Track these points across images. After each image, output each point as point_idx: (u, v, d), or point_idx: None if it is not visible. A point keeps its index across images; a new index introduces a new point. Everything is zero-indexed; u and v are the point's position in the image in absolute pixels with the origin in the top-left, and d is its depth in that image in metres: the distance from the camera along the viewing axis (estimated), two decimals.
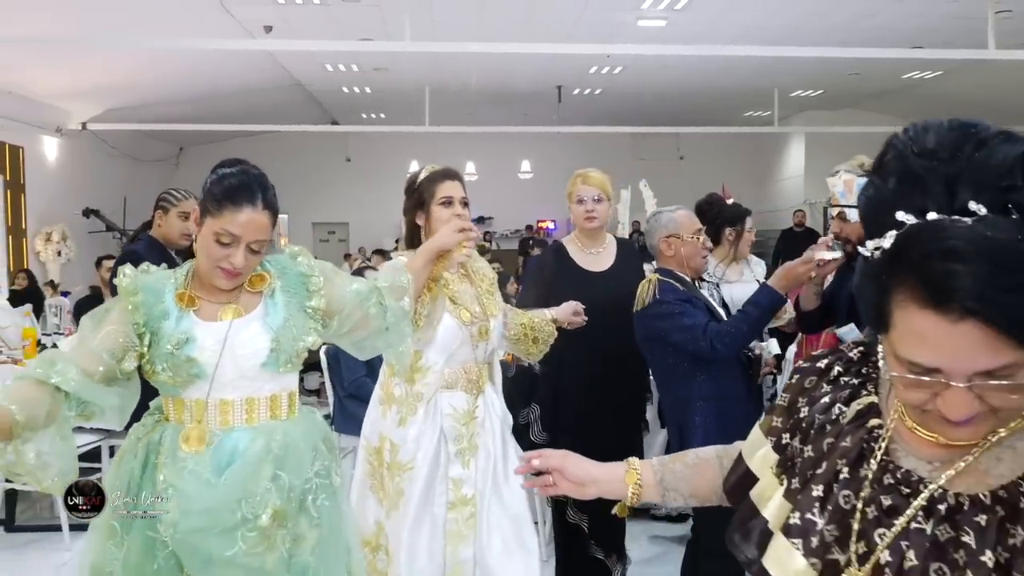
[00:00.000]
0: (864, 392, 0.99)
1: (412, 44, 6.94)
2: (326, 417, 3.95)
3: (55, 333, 5.49)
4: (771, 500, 1.03)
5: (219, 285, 1.75)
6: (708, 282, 3.21)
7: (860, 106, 13.41)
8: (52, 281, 9.58)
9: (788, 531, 0.97)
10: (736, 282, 3.53)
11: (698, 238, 2.71)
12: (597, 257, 3.10)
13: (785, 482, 1.02)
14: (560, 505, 3.01)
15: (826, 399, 1.01)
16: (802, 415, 1.03)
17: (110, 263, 5.96)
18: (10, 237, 9.80)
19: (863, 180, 1.57)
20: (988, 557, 0.83)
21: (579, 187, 3.10)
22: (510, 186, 14.94)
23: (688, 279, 2.70)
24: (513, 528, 2.40)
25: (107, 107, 11.03)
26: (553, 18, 8.10)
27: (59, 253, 10.18)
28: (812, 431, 1.01)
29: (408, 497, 2.30)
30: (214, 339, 1.70)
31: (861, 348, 1.05)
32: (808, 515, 0.96)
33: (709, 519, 2.63)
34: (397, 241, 15.18)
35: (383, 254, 10.57)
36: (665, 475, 1.26)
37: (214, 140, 14.16)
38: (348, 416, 3.82)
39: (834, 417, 0.99)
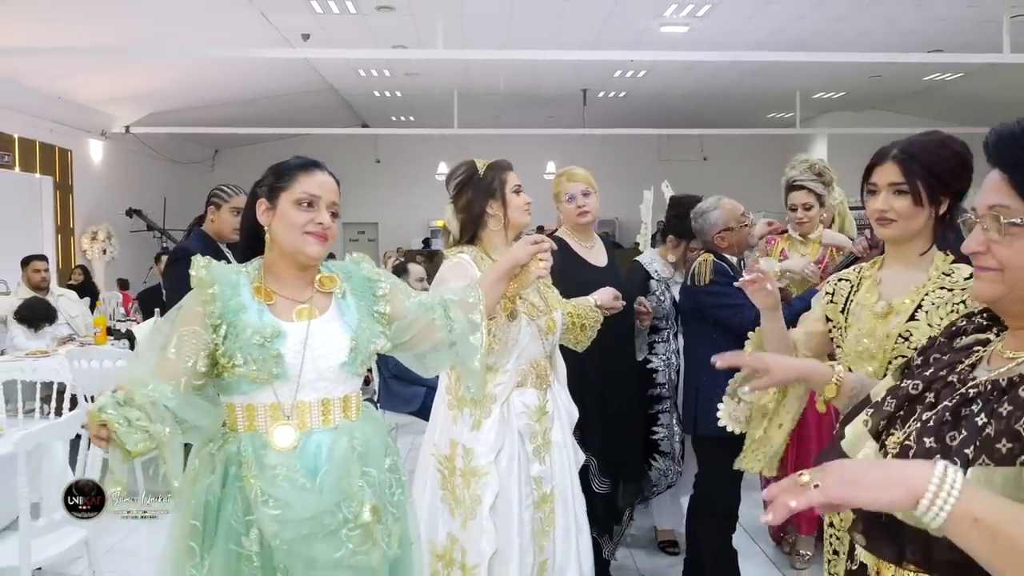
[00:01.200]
0: (989, 333, 1.17)
1: (444, 52, 7.24)
2: (371, 398, 4.25)
3: (120, 321, 5.84)
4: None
5: (310, 253, 1.72)
6: (658, 280, 3.43)
7: (883, 107, 13.46)
8: (122, 279, 10.06)
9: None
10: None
11: (743, 223, 2.96)
12: (592, 251, 3.13)
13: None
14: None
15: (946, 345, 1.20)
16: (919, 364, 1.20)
17: None
18: (59, 235, 10.24)
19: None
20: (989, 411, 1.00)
21: (566, 185, 3.14)
22: (537, 187, 14.93)
23: (733, 261, 2.97)
24: (573, 511, 2.41)
25: (149, 111, 11.46)
26: (579, 25, 8.34)
27: (104, 251, 10.59)
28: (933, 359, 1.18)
29: (484, 503, 2.22)
30: (296, 338, 1.68)
31: (986, 313, 1.20)
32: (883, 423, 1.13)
33: (713, 483, 2.92)
34: (425, 241, 15.48)
35: (410, 255, 10.88)
36: (852, 385, 1.51)
37: (248, 142, 14.57)
38: (393, 395, 4.12)
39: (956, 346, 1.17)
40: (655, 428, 3.47)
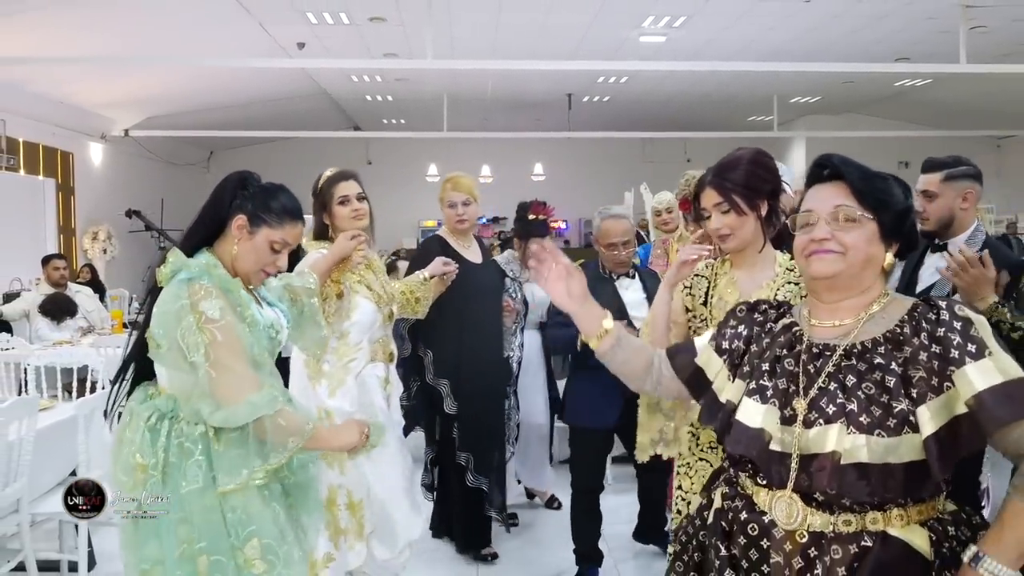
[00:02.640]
0: (787, 317, 1.53)
1: (433, 62, 7.64)
2: None
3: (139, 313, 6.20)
4: (725, 390, 1.51)
5: (254, 283, 1.99)
6: (512, 279, 3.79)
7: (858, 111, 13.90)
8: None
9: (750, 394, 1.43)
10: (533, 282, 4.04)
11: (614, 249, 3.22)
12: (469, 250, 3.49)
13: (733, 375, 1.50)
14: (448, 445, 3.47)
15: (759, 317, 1.56)
16: (740, 330, 1.55)
17: None
18: (61, 236, 10.58)
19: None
20: (890, 358, 1.33)
21: (449, 193, 3.42)
22: (523, 188, 15.43)
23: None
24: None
25: (147, 115, 11.79)
26: (562, 35, 8.75)
27: (104, 251, 10.93)
28: (752, 339, 1.52)
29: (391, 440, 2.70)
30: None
31: (760, 301, 1.61)
32: (761, 382, 1.43)
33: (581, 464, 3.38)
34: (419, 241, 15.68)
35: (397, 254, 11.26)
36: (623, 338, 1.66)
37: (242, 145, 14.90)
38: None
39: (767, 329, 1.52)
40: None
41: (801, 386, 1.39)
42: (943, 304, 1.38)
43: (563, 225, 16.29)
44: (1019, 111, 12.11)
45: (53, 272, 5.88)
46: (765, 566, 1.37)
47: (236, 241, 1.92)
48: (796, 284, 2.03)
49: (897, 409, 1.30)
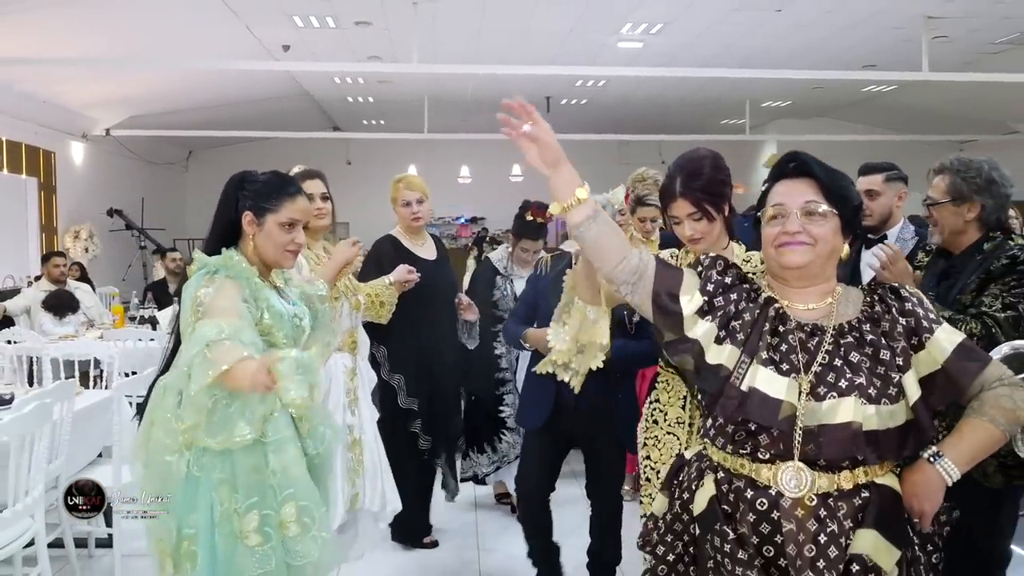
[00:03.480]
0: (762, 291, 1.61)
1: (418, 66, 7.84)
2: None
3: (145, 308, 6.36)
4: (713, 352, 1.53)
5: (285, 265, 2.12)
6: (503, 276, 3.97)
7: (827, 115, 14.27)
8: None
9: (764, 364, 1.48)
10: (523, 278, 4.03)
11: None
12: (423, 247, 3.59)
13: (709, 321, 1.55)
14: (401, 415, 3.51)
15: (742, 283, 1.61)
16: (728, 284, 1.60)
17: (175, 255, 6.96)
18: (44, 234, 10.61)
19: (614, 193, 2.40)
20: (875, 334, 1.51)
21: (403, 192, 3.50)
22: (502, 188, 15.74)
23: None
24: (376, 456, 3.04)
25: (129, 114, 11.83)
26: (543, 40, 8.99)
27: (86, 250, 10.97)
28: (732, 295, 1.58)
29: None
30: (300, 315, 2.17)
31: (736, 268, 1.65)
32: (771, 354, 1.49)
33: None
34: None
35: None
36: (600, 216, 1.61)
37: (221, 144, 14.94)
38: None
39: (752, 298, 1.58)
40: (501, 407, 4.02)
41: (802, 362, 1.50)
42: (896, 285, 1.61)
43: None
44: (980, 116, 12.55)
45: (53, 269, 6.03)
46: (778, 536, 1.45)
47: (252, 236, 2.09)
48: (754, 274, 2.13)
49: (895, 379, 1.49)
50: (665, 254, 2.30)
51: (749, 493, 1.49)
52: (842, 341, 1.53)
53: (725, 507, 1.52)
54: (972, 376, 1.52)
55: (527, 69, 8.95)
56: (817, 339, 1.53)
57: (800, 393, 1.47)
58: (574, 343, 2.23)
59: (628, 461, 3.29)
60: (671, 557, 1.62)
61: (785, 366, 1.49)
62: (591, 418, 2.82)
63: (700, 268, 1.65)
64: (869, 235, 3.04)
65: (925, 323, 1.53)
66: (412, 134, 12.53)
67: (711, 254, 1.68)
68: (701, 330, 1.55)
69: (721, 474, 1.54)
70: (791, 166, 1.64)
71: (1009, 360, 2.13)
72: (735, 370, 1.50)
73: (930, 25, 8.14)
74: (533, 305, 3.00)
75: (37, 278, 6.30)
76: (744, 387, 1.48)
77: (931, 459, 1.51)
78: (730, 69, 9.17)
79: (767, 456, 1.49)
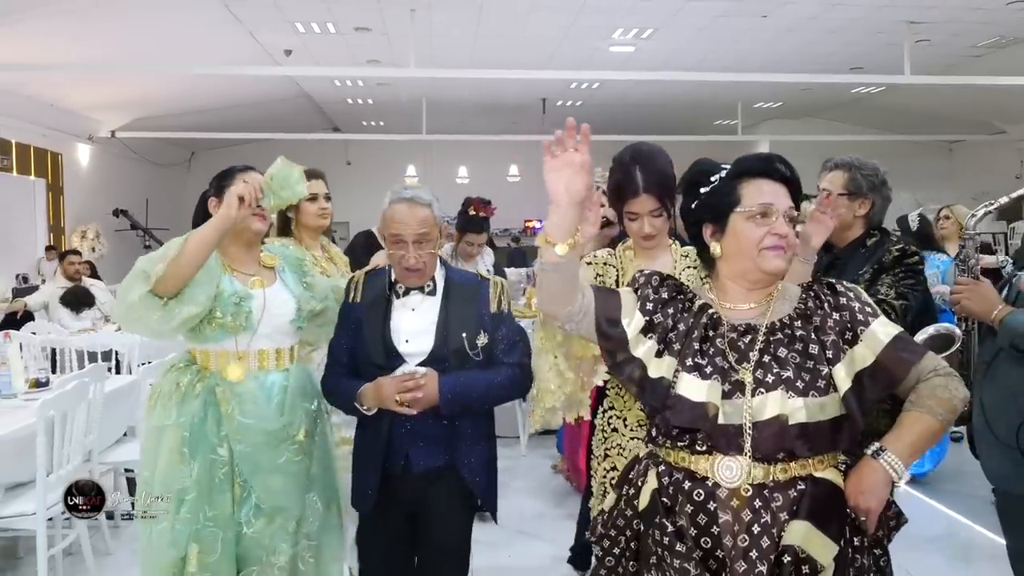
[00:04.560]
0: (697, 299, 1.60)
1: (416, 70, 8.12)
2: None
3: None
4: (653, 365, 1.53)
5: (255, 228, 2.19)
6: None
7: (818, 115, 14.52)
8: None
9: (688, 370, 1.49)
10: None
11: (401, 247, 2.30)
12: None
13: (662, 351, 1.54)
14: None
15: (676, 295, 1.61)
16: (664, 299, 1.60)
17: None
18: (51, 234, 10.89)
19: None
20: (806, 330, 1.51)
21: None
22: (500, 189, 15.90)
23: None
24: None
25: (133, 117, 12.10)
26: (537, 45, 9.27)
27: (93, 249, 11.23)
28: (676, 316, 1.57)
29: None
30: (257, 301, 2.16)
31: (667, 275, 1.66)
32: (697, 360, 1.50)
33: None
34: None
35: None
36: (572, 264, 1.54)
37: (223, 146, 15.17)
38: None
39: (687, 308, 1.58)
40: None
41: (732, 361, 1.50)
42: (831, 280, 1.62)
43: (539, 224, 16.80)
44: (968, 117, 12.81)
45: (69, 267, 6.34)
46: (714, 527, 1.46)
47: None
48: (694, 268, 2.14)
49: (824, 372, 1.48)
50: (602, 255, 2.27)
51: (687, 484, 1.50)
52: (772, 338, 1.54)
53: (665, 500, 1.52)
54: (907, 367, 1.51)
55: (522, 73, 9.23)
56: (750, 337, 1.54)
57: (723, 393, 1.48)
58: (559, 375, 2.06)
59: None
60: (616, 551, 1.62)
61: (709, 369, 1.50)
62: (428, 480, 2.20)
63: (637, 287, 1.64)
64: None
65: (860, 316, 1.53)
66: (411, 135, 12.78)
67: (647, 271, 1.67)
68: (643, 348, 1.55)
69: (663, 467, 1.55)
70: (780, 169, 1.59)
71: (932, 340, 2.40)
72: (672, 380, 1.52)
73: (912, 30, 8.42)
74: (352, 346, 2.27)
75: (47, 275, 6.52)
76: (673, 394, 1.50)
77: (874, 455, 1.50)
78: (718, 73, 9.46)
79: (704, 448, 1.49)
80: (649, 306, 1.59)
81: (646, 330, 1.57)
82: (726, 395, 1.48)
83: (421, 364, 2.17)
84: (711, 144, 15.24)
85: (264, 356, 2.18)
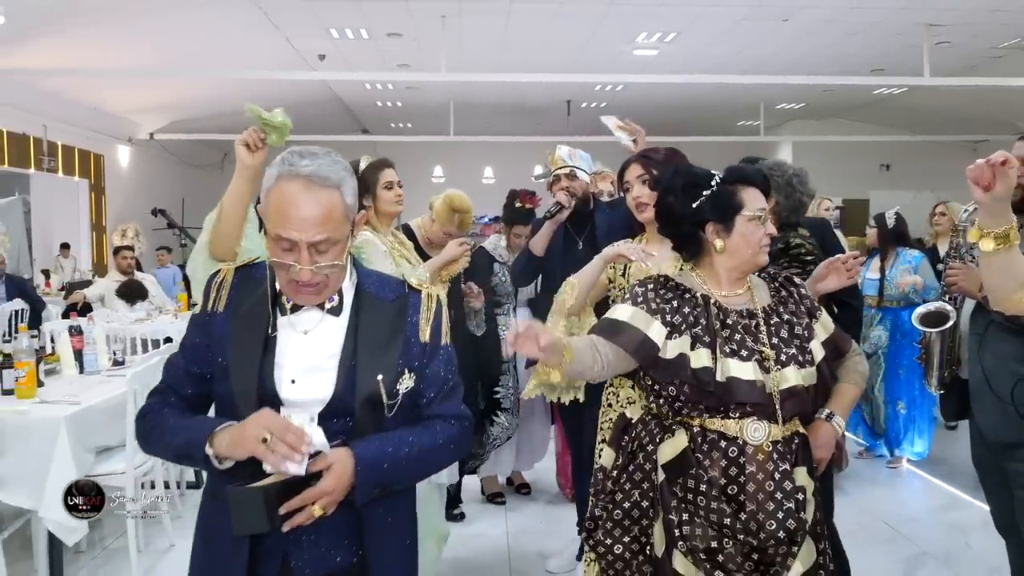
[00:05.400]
0: (693, 291, 1.85)
1: (446, 75, 8.42)
2: None
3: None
4: (690, 356, 1.76)
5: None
6: (500, 263, 4.22)
7: (841, 116, 14.61)
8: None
9: (729, 356, 1.74)
10: None
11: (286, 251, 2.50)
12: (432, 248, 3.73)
13: (693, 344, 1.76)
14: None
15: (679, 294, 1.84)
16: (674, 303, 1.81)
17: None
18: (93, 233, 11.33)
19: (578, 150, 2.84)
20: (789, 313, 1.83)
21: (455, 216, 3.68)
22: (527, 187, 16.34)
23: None
24: None
25: (171, 119, 12.52)
26: (562, 49, 9.52)
27: (132, 248, 11.64)
28: (683, 308, 1.81)
29: None
30: None
31: (663, 278, 1.89)
32: (731, 346, 1.76)
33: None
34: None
35: None
36: (572, 345, 1.76)
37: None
38: None
39: (692, 303, 1.82)
40: (497, 388, 4.15)
41: (751, 343, 1.78)
42: (785, 274, 1.98)
43: None
44: (992, 117, 12.85)
45: (122, 261, 6.76)
46: (741, 476, 1.73)
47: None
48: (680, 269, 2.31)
49: (807, 347, 1.82)
50: (632, 245, 2.47)
51: (722, 443, 1.76)
52: (771, 321, 1.84)
53: (699, 455, 1.76)
54: (849, 343, 1.97)
55: (548, 77, 9.50)
56: (753, 322, 1.82)
57: (761, 370, 1.76)
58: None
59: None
60: (627, 504, 1.84)
61: (744, 352, 1.77)
62: None
63: (640, 300, 1.83)
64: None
65: (811, 305, 1.92)
66: (438, 136, 13.07)
67: (640, 280, 1.90)
68: (675, 347, 1.77)
69: (697, 429, 1.78)
70: (766, 180, 1.90)
71: (928, 316, 2.66)
72: (712, 366, 1.76)
73: (931, 32, 8.55)
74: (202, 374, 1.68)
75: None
76: (721, 378, 1.74)
77: (827, 418, 1.95)
78: (739, 76, 9.65)
79: (737, 414, 1.76)
80: (666, 315, 1.80)
81: (670, 335, 1.79)
82: (762, 371, 1.76)
83: (323, 415, 1.46)
84: (734, 145, 15.36)
85: None
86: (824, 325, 1.93)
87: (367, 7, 7.91)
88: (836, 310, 2.71)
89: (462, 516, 4.12)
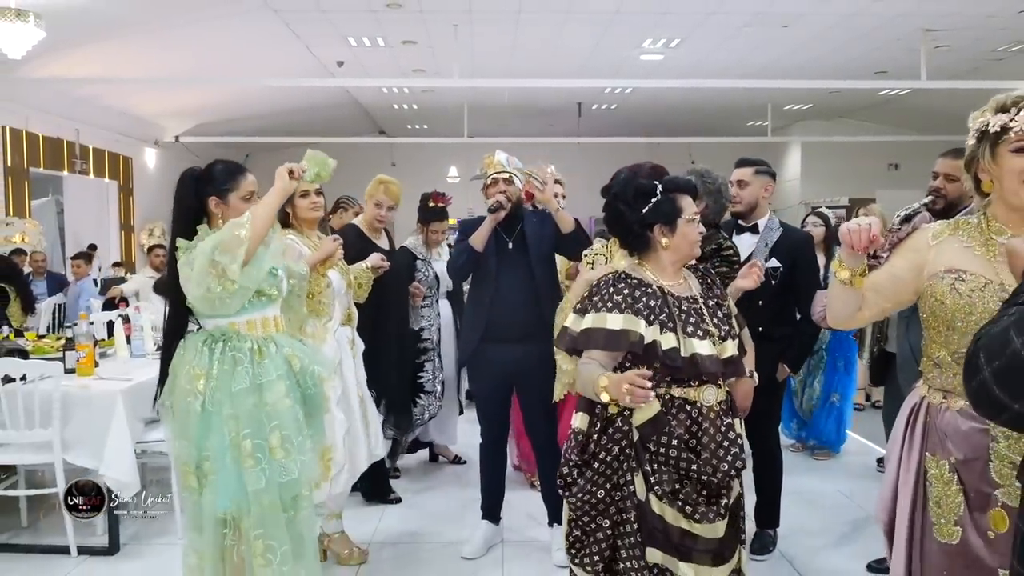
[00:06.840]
0: (645, 282, 2.19)
1: (459, 80, 8.78)
2: None
3: None
4: (660, 340, 2.11)
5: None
6: (422, 260, 4.49)
7: (848, 116, 14.81)
8: None
9: (690, 336, 2.12)
10: (440, 260, 4.63)
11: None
12: (380, 240, 4.09)
13: (661, 329, 2.11)
14: None
15: (635, 291, 2.16)
16: (637, 295, 2.14)
17: None
18: (122, 232, 11.80)
19: (514, 158, 3.15)
20: (715, 298, 2.27)
21: (380, 194, 3.95)
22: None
23: None
24: (371, 407, 3.47)
25: (196, 123, 12.95)
26: (571, 54, 9.84)
27: (163, 246, 12.09)
28: (645, 299, 2.14)
29: (331, 399, 3.05)
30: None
31: (622, 274, 2.22)
32: (689, 328, 2.14)
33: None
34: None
35: None
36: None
37: (274, 149, 15.97)
38: None
39: (648, 292, 2.15)
40: (420, 373, 4.45)
41: (701, 325, 2.19)
42: (704, 267, 2.40)
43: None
44: None
45: (155, 259, 7.21)
46: (699, 431, 2.14)
47: (221, 215, 2.53)
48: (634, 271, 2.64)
49: (731, 324, 2.28)
50: (597, 248, 3.02)
51: (687, 407, 2.16)
52: (708, 304, 2.26)
53: (669, 417, 2.14)
54: (742, 321, 2.39)
55: (557, 82, 9.85)
56: (697, 306, 2.22)
57: (712, 344, 2.17)
58: (568, 360, 2.56)
59: None
60: (609, 458, 2.17)
61: (700, 332, 2.16)
62: None
63: (624, 307, 2.14)
64: (740, 222, 3.47)
65: (723, 289, 2.38)
66: (453, 138, 13.40)
67: (603, 279, 2.22)
68: (651, 333, 2.13)
69: (667, 397, 2.16)
70: (694, 189, 2.33)
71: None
72: (678, 346, 2.13)
73: (929, 37, 8.80)
74: None
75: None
76: (687, 355, 2.12)
77: (750, 375, 2.47)
78: (743, 80, 9.94)
79: (696, 383, 2.17)
80: (643, 311, 2.13)
81: (648, 323, 2.12)
82: (713, 345, 2.16)
83: None
84: (743, 145, 15.57)
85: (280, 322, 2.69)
86: (731, 306, 2.36)
87: (383, 16, 8.28)
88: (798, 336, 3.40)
89: (398, 500, 4.30)
